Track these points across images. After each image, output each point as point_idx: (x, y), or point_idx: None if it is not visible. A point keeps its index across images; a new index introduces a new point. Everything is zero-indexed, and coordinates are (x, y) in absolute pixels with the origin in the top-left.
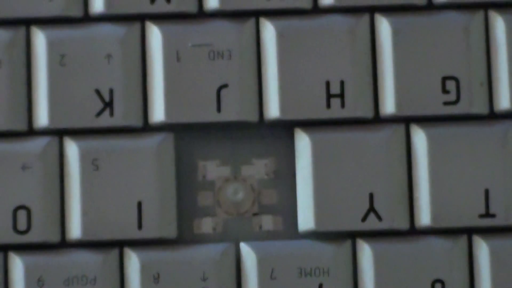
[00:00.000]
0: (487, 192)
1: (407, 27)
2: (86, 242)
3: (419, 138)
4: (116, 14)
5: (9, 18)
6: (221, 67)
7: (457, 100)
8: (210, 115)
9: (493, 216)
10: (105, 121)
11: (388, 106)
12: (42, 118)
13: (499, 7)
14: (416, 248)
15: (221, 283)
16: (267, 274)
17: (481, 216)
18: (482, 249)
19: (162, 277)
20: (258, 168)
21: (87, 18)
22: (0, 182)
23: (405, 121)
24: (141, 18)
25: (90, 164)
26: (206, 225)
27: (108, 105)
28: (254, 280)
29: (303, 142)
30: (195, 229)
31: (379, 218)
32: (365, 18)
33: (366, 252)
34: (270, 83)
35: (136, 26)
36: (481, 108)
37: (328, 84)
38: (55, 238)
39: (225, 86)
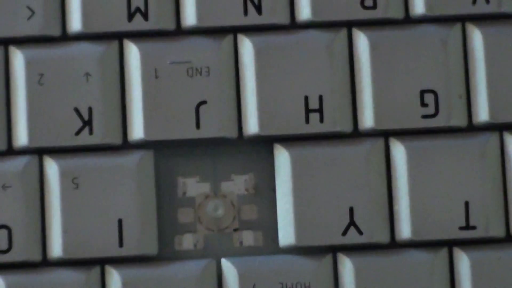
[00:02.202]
0: (467, 204)
1: (384, 41)
2: (68, 260)
3: (398, 151)
4: (94, 32)
5: None
6: (200, 83)
7: (436, 113)
8: (189, 132)
9: (473, 228)
10: (85, 139)
11: (367, 120)
12: (21, 137)
13: (476, 20)
14: (397, 261)
15: None
16: None
17: (462, 228)
18: (463, 261)
19: None
20: (238, 184)
21: (65, 37)
22: None
23: (384, 135)
24: (119, 36)
25: (70, 182)
26: (187, 242)
27: (87, 123)
28: None
29: (282, 158)
30: (176, 245)
31: (359, 232)
32: (343, 33)
33: (347, 266)
34: (248, 99)
35: (114, 45)
36: (459, 120)
37: (306, 99)
38: (36, 257)
39: (203, 102)
